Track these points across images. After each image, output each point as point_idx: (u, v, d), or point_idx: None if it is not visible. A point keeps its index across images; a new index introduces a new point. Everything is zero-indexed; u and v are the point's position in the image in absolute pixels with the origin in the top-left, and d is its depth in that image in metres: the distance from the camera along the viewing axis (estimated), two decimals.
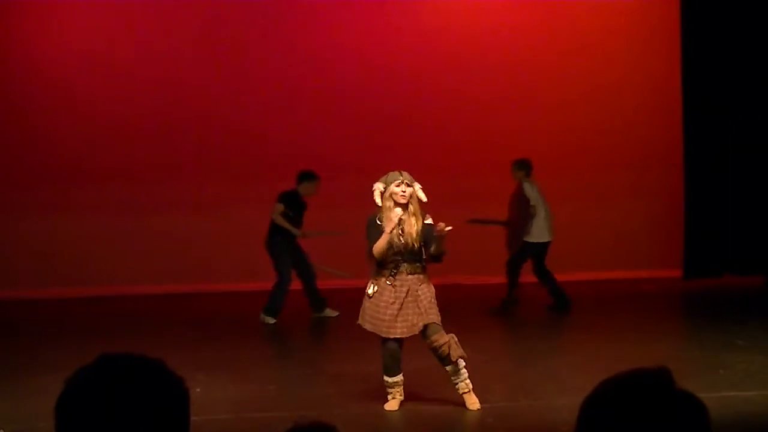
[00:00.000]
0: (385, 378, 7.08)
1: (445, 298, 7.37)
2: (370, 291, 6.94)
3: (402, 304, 6.84)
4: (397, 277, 6.87)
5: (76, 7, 13.15)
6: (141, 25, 13.18)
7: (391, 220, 6.82)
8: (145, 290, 12.71)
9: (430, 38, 13.39)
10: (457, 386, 6.96)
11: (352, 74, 13.27)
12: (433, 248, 6.85)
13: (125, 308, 12.07)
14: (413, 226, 6.85)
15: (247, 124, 13.20)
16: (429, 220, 6.92)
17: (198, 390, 7.23)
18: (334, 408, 7.05)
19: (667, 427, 1.68)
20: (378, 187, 6.94)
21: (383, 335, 6.94)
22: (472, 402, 6.95)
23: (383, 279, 6.90)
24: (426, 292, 6.90)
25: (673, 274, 13.25)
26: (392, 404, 7.07)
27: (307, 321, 10.97)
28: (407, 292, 6.85)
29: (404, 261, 6.87)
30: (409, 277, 6.87)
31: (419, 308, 6.84)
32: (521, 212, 10.98)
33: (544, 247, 11.05)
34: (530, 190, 10.97)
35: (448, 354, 6.83)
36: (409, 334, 6.92)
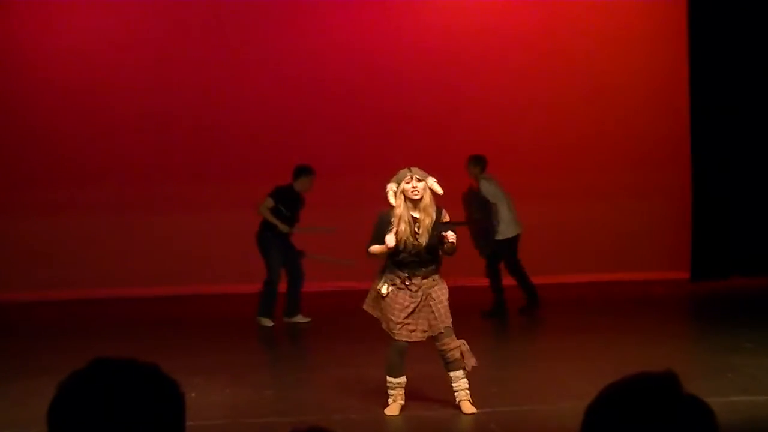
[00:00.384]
0: (389, 379, 7.06)
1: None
2: (384, 290, 6.92)
3: (416, 308, 6.84)
4: (413, 280, 6.86)
5: (70, 7, 13.18)
6: (136, 25, 13.19)
7: (392, 234, 6.79)
8: (140, 292, 12.71)
9: (431, 38, 13.40)
10: (456, 393, 6.97)
11: (350, 74, 13.27)
12: (441, 249, 6.88)
13: (119, 311, 12.07)
14: (425, 225, 6.83)
15: (243, 124, 13.20)
16: (446, 218, 6.89)
17: (193, 394, 7.23)
18: (333, 413, 7.05)
19: None
20: (391, 187, 6.91)
21: (395, 337, 6.92)
22: (469, 408, 6.97)
23: (399, 281, 6.90)
24: (440, 295, 6.91)
25: (680, 275, 13.26)
26: (393, 408, 7.06)
27: (303, 325, 10.94)
28: (422, 297, 6.86)
29: (420, 264, 6.86)
30: (424, 281, 6.89)
31: (433, 313, 6.86)
32: (483, 211, 10.83)
33: (514, 241, 11.02)
34: (487, 187, 10.85)
35: (456, 359, 6.87)
36: (421, 339, 6.92)
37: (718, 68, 12.95)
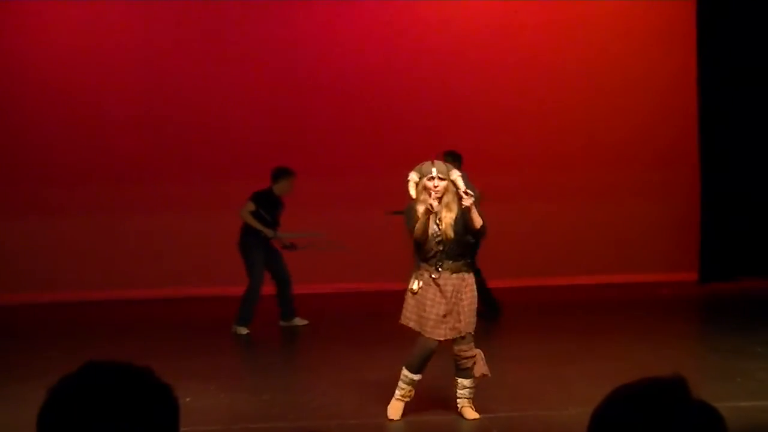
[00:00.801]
0: (405, 373, 6.98)
1: None
2: (414, 287, 6.89)
3: (447, 304, 6.81)
4: (441, 273, 6.83)
5: (61, 8, 13.19)
6: (128, 26, 13.21)
7: (426, 201, 6.74)
8: (132, 295, 12.70)
9: (432, 37, 13.42)
10: (459, 399, 6.97)
11: (347, 73, 13.28)
12: (469, 228, 6.78)
13: (111, 313, 12.07)
14: (448, 217, 6.78)
15: (239, 125, 13.21)
16: (467, 202, 6.79)
17: (188, 399, 7.22)
18: (332, 418, 7.05)
19: None
20: (412, 177, 6.88)
21: (426, 335, 6.87)
22: (470, 414, 6.97)
23: (427, 274, 6.87)
24: (469, 297, 6.87)
25: (689, 277, 13.27)
26: (396, 408, 7.00)
27: (307, 327, 10.95)
28: (452, 293, 6.81)
29: (447, 257, 6.82)
30: (454, 275, 6.83)
31: (459, 314, 6.83)
32: None
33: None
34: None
35: (468, 368, 6.89)
36: (452, 337, 6.87)
37: (727, 68, 12.99)
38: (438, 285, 6.81)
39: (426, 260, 6.87)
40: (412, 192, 6.85)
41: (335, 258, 12.01)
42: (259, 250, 10.70)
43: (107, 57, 13.10)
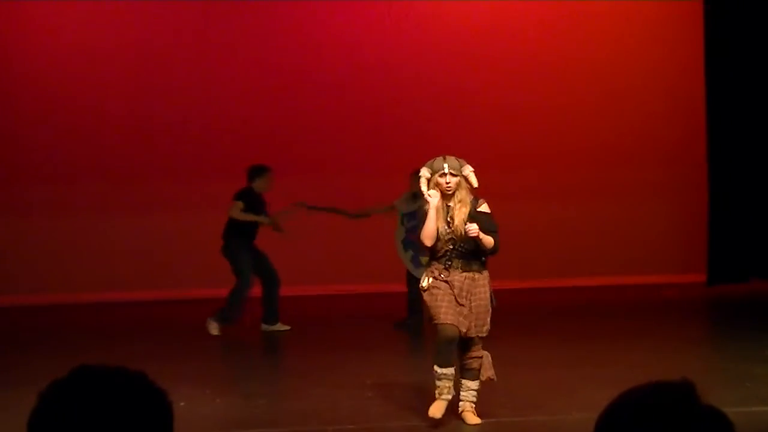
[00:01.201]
0: (435, 368, 6.87)
1: None
2: (424, 283, 6.86)
3: (457, 299, 6.75)
4: (451, 271, 6.79)
5: (53, 7, 13.21)
6: (121, 26, 13.25)
7: (432, 197, 6.73)
8: (124, 296, 12.71)
9: (434, 37, 13.44)
10: (461, 402, 6.96)
11: (345, 73, 13.33)
12: (480, 246, 6.78)
13: (102, 316, 12.07)
14: (462, 213, 6.75)
15: (233, 124, 13.26)
16: (483, 207, 6.80)
17: (182, 404, 7.21)
18: (328, 424, 7.04)
19: None
20: (424, 173, 6.84)
21: (438, 321, 6.77)
22: (472, 419, 6.96)
23: (437, 272, 6.85)
24: (483, 298, 6.82)
25: (697, 279, 13.28)
26: (437, 407, 6.86)
27: (299, 330, 10.94)
28: (462, 292, 6.77)
29: (457, 256, 6.79)
30: (464, 274, 6.79)
31: (472, 314, 6.79)
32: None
33: None
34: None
35: (474, 369, 6.89)
36: (461, 328, 6.78)
37: (735, 67, 13.02)
38: (448, 282, 6.80)
39: (437, 259, 6.87)
40: (424, 189, 6.82)
41: (332, 260, 12.02)
42: (245, 252, 10.67)
43: (101, 58, 13.14)
